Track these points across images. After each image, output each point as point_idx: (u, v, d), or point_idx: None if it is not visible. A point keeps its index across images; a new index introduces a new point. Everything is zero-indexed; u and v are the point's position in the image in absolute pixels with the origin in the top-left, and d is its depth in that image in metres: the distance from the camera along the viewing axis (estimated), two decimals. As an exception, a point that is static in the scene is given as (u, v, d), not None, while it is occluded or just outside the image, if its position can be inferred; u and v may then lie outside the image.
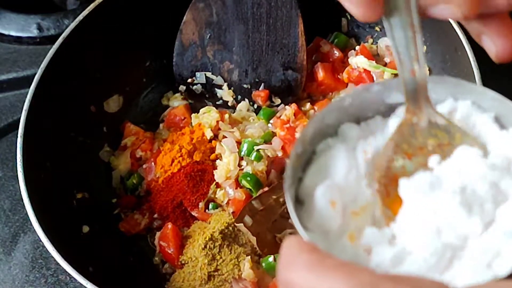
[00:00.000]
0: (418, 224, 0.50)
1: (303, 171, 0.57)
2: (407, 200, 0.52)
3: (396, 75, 1.16)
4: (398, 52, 0.54)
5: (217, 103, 1.23)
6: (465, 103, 0.57)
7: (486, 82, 0.98)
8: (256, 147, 1.13)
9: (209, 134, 1.16)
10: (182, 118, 1.21)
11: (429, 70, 1.15)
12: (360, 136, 0.57)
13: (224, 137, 1.16)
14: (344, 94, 0.66)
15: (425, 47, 1.16)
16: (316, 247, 0.48)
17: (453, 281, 0.48)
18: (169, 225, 1.09)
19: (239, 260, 1.04)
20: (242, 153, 1.13)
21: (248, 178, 1.10)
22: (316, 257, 0.47)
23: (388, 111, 0.58)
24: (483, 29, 0.58)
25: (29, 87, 1.08)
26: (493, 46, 0.57)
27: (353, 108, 0.58)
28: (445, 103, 0.58)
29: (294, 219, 0.53)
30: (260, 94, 1.20)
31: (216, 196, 1.12)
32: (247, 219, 1.06)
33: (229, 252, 1.05)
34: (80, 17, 1.13)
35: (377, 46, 1.22)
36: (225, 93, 1.22)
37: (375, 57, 1.20)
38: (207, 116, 1.18)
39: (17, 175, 1.02)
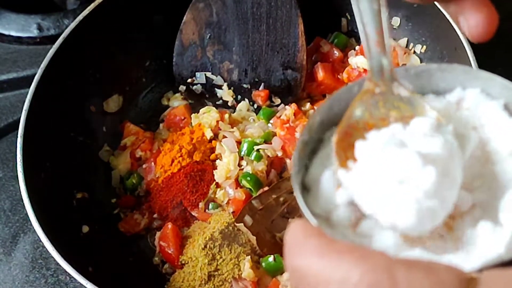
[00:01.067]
0: (373, 180, 0.50)
1: (310, 160, 0.57)
2: (361, 159, 0.52)
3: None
4: (364, 24, 0.55)
5: (217, 103, 1.23)
6: (473, 91, 0.57)
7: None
8: (256, 147, 1.13)
9: (209, 134, 1.16)
10: (182, 118, 1.21)
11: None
12: None
13: (224, 137, 1.16)
14: (352, 82, 0.66)
15: (425, 46, 1.16)
16: (323, 232, 0.47)
17: (465, 265, 0.48)
18: (169, 225, 1.09)
19: (239, 260, 1.04)
20: (242, 153, 1.13)
21: (248, 178, 1.10)
22: (325, 242, 0.46)
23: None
24: (460, 9, 0.58)
25: (29, 87, 1.08)
26: (466, 25, 0.58)
27: None
28: (453, 92, 0.58)
29: (301, 204, 0.53)
30: (260, 94, 1.20)
31: (216, 196, 1.12)
32: (247, 218, 1.06)
33: (229, 252, 1.05)
34: (80, 17, 1.14)
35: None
36: (225, 93, 1.22)
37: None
38: (207, 116, 1.18)
39: (17, 175, 1.02)
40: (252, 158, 1.12)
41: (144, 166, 1.18)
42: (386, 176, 0.50)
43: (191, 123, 1.19)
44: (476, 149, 0.55)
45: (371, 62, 0.55)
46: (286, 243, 0.48)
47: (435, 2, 0.64)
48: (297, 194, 0.53)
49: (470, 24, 0.58)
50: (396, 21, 1.18)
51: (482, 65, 0.99)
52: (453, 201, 0.50)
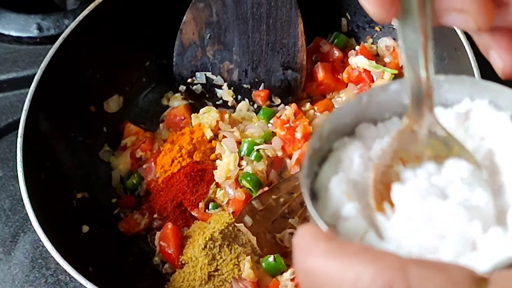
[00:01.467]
0: (413, 230, 0.50)
1: (319, 167, 0.56)
2: (399, 206, 0.52)
3: (395, 75, 1.17)
4: (408, 57, 0.53)
5: (217, 103, 1.23)
6: (481, 102, 0.56)
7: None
8: (256, 147, 1.13)
9: (209, 134, 1.16)
10: (182, 118, 1.21)
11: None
12: (377, 136, 0.57)
13: (224, 137, 1.16)
14: (362, 93, 0.65)
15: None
16: (334, 235, 0.47)
17: (477, 266, 0.48)
18: (169, 225, 1.09)
19: (239, 260, 1.04)
20: (242, 153, 1.13)
21: (248, 178, 1.10)
22: (337, 244, 0.46)
23: (405, 112, 0.56)
24: (492, 43, 0.57)
25: (29, 87, 1.08)
26: (501, 62, 0.57)
27: (370, 108, 0.57)
28: (461, 103, 0.57)
29: (311, 210, 0.52)
30: (260, 94, 1.20)
31: (216, 196, 1.12)
32: (247, 219, 1.06)
33: (229, 252, 1.05)
34: (80, 17, 1.13)
35: (377, 46, 1.22)
36: (225, 93, 1.22)
37: (375, 57, 1.20)
38: (207, 116, 1.18)
39: (17, 175, 1.02)
40: (252, 158, 1.12)
41: (144, 166, 1.18)
42: (427, 229, 0.49)
43: (191, 123, 1.19)
44: (485, 160, 0.55)
45: (412, 97, 0.53)
46: (295, 246, 0.48)
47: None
48: (307, 199, 0.53)
49: (506, 63, 0.56)
50: (396, 21, 1.18)
51: (482, 66, 0.99)
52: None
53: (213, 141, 1.16)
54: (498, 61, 0.57)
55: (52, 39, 1.26)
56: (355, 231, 0.52)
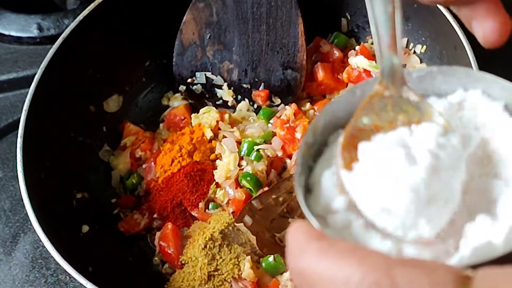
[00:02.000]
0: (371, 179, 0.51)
1: (314, 162, 0.57)
2: (364, 161, 0.53)
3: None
4: (377, 26, 0.54)
5: (217, 103, 1.23)
6: (475, 92, 0.57)
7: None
8: (256, 147, 1.13)
9: (209, 134, 1.16)
10: (182, 118, 1.21)
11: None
12: None
13: (224, 137, 1.16)
14: (354, 85, 0.66)
15: (425, 46, 1.16)
16: (324, 233, 0.49)
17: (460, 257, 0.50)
18: (169, 225, 1.09)
19: (239, 260, 1.04)
20: (242, 153, 1.13)
21: (248, 178, 1.10)
22: (327, 243, 0.48)
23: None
24: (473, 14, 0.59)
25: (29, 87, 1.08)
26: (481, 30, 0.59)
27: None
28: (455, 94, 0.58)
29: (303, 207, 0.53)
30: (260, 94, 1.20)
31: (216, 196, 1.12)
32: (247, 219, 1.06)
33: (229, 252, 1.05)
34: (80, 17, 1.14)
35: (377, 46, 1.21)
36: (225, 93, 1.22)
37: (375, 57, 1.20)
38: (207, 116, 1.18)
39: (17, 175, 1.02)
40: (252, 158, 1.12)
41: (144, 166, 1.18)
42: (383, 177, 0.50)
43: (191, 123, 1.19)
44: (478, 149, 0.55)
45: (382, 64, 0.55)
46: (288, 246, 0.50)
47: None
48: (299, 197, 0.54)
49: (485, 30, 0.58)
50: None
51: (482, 65, 0.99)
52: (454, 205, 0.51)
53: (213, 141, 1.16)
54: (479, 30, 0.59)
55: (52, 39, 1.26)
56: (343, 224, 0.53)
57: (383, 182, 0.50)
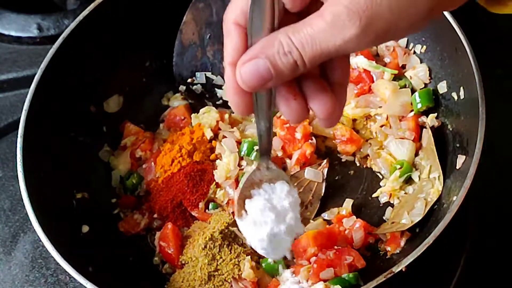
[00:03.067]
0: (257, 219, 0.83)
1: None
2: (250, 213, 0.83)
3: (395, 75, 1.17)
4: (260, 136, 0.79)
5: (217, 103, 1.23)
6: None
7: (485, 83, 0.98)
8: (256, 147, 1.13)
9: (209, 134, 1.16)
10: (182, 118, 1.21)
11: (428, 69, 1.15)
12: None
13: (224, 137, 1.16)
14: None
15: (425, 46, 1.16)
16: None
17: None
18: (169, 225, 1.09)
19: (239, 260, 1.04)
20: (242, 153, 1.14)
21: (248, 178, 1.10)
22: None
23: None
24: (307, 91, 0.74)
25: (29, 87, 1.08)
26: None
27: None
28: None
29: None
30: (260, 94, 1.20)
31: (216, 196, 1.12)
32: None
33: (229, 252, 1.05)
34: (80, 17, 1.14)
35: (377, 46, 1.21)
36: (225, 93, 1.22)
37: (375, 57, 1.20)
38: (207, 116, 1.18)
39: (17, 175, 1.02)
40: (252, 158, 1.13)
41: (144, 166, 1.18)
42: (255, 223, 0.81)
43: (191, 123, 1.19)
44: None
45: (262, 156, 0.82)
46: None
47: None
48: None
49: (315, 109, 0.74)
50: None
51: (482, 65, 0.99)
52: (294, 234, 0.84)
53: (213, 141, 1.16)
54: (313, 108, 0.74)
55: (52, 39, 1.26)
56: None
57: (255, 227, 0.81)
